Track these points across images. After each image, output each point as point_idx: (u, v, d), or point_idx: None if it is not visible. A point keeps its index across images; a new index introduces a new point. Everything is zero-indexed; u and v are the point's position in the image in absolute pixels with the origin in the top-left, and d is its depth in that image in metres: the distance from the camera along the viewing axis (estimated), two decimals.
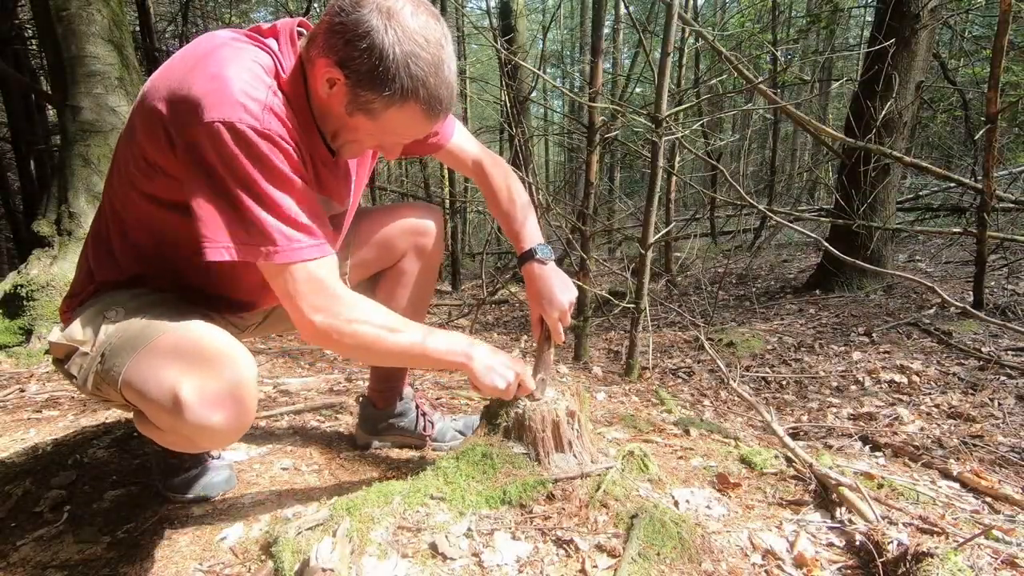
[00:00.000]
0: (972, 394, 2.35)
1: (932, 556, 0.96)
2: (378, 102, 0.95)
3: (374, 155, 1.33)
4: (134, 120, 0.99)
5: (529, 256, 1.38)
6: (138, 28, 6.62)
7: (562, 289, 1.36)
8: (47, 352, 2.76)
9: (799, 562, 1.09)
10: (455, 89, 1.00)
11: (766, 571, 1.07)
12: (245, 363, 0.96)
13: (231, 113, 0.89)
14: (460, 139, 1.42)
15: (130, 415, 1.70)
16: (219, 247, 0.94)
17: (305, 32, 1.06)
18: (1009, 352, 2.74)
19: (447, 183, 7.44)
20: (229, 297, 1.21)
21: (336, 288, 1.03)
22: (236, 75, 0.92)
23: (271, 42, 1.01)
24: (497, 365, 1.15)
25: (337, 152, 1.11)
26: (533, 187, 4.05)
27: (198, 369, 0.93)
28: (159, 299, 1.09)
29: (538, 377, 1.30)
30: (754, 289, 5.23)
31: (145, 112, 0.95)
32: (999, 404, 2.23)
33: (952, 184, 5.30)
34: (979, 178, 3.68)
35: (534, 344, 1.41)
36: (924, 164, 3.61)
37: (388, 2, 0.92)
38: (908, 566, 0.98)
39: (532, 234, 1.41)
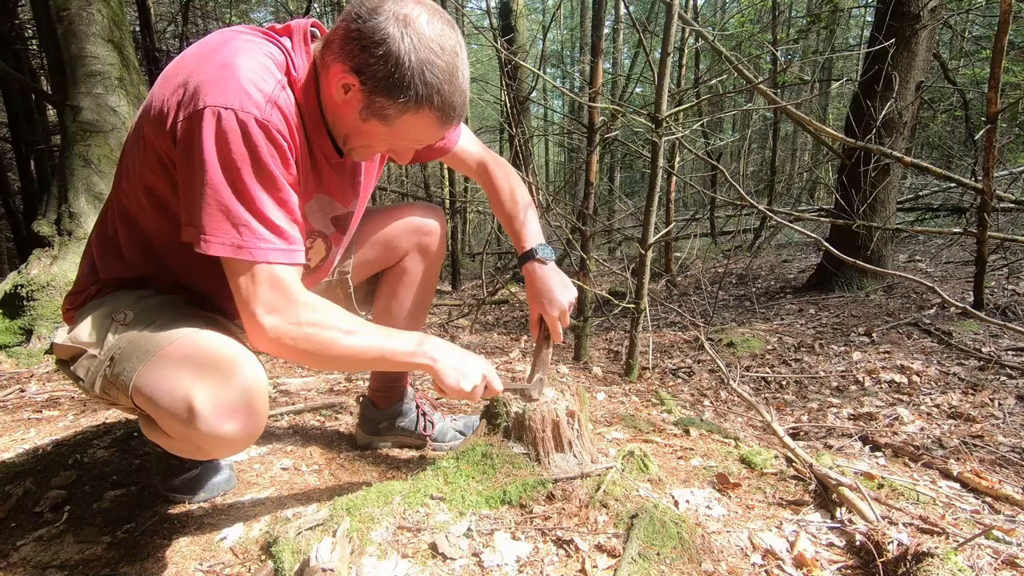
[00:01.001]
0: (972, 394, 2.35)
1: (932, 556, 0.96)
2: (393, 108, 0.96)
3: (383, 158, 1.34)
4: (143, 115, 0.99)
5: (530, 256, 1.38)
6: (138, 28, 6.62)
7: (562, 289, 1.36)
8: (48, 352, 2.76)
9: (799, 562, 1.09)
10: (467, 94, 1.00)
11: (766, 571, 1.07)
12: (256, 372, 0.96)
13: (234, 100, 0.89)
14: (465, 142, 1.43)
15: (133, 416, 1.71)
16: (194, 232, 0.93)
17: (319, 33, 1.06)
18: (1009, 352, 2.74)
19: (447, 183, 7.44)
20: (226, 302, 1.20)
21: (295, 294, 0.99)
22: (246, 65, 0.92)
23: (285, 40, 1.02)
24: (463, 367, 1.10)
25: (347, 155, 1.11)
26: (533, 187, 4.05)
27: (211, 378, 0.93)
28: (166, 302, 1.09)
29: (536, 376, 1.30)
30: (754, 289, 5.23)
31: (155, 103, 0.96)
32: (999, 404, 2.23)
33: (952, 184, 5.30)
34: (979, 178, 3.68)
35: (534, 344, 1.41)
36: (924, 164, 3.61)
37: (404, 9, 0.92)
38: (908, 566, 0.98)
39: (533, 234, 1.41)
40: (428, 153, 1.39)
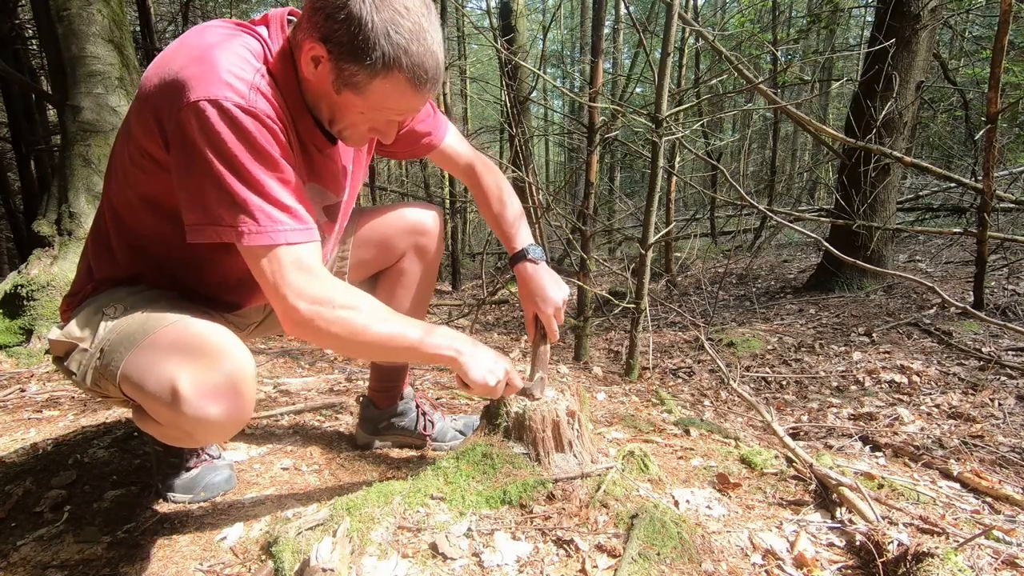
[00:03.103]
0: (972, 394, 2.35)
1: (932, 556, 0.96)
2: (362, 74, 0.94)
3: (369, 149, 1.33)
4: (130, 113, 1.00)
5: (521, 256, 1.39)
6: (138, 28, 6.62)
7: (554, 287, 1.36)
8: (47, 352, 2.76)
9: (799, 562, 1.09)
10: (441, 60, 0.98)
11: (766, 571, 1.07)
12: (242, 356, 0.96)
13: (217, 92, 0.89)
14: (453, 141, 1.43)
15: (131, 414, 1.71)
16: (201, 228, 0.92)
17: (295, 20, 1.06)
18: (1009, 352, 2.74)
19: (447, 183, 7.45)
20: (218, 298, 1.21)
21: (322, 274, 0.99)
22: (223, 57, 0.93)
23: (261, 30, 1.02)
24: (488, 361, 1.11)
25: (338, 140, 1.11)
26: (533, 187, 4.04)
27: (196, 362, 0.93)
28: (157, 295, 1.10)
29: (537, 375, 1.30)
30: (754, 289, 5.23)
31: (138, 102, 0.96)
32: (999, 404, 2.23)
33: (952, 184, 5.29)
34: (979, 178, 3.68)
35: (531, 344, 1.41)
36: (924, 164, 3.61)
37: None
38: (908, 566, 0.98)
39: (524, 235, 1.42)
40: (414, 149, 1.38)
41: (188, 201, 0.94)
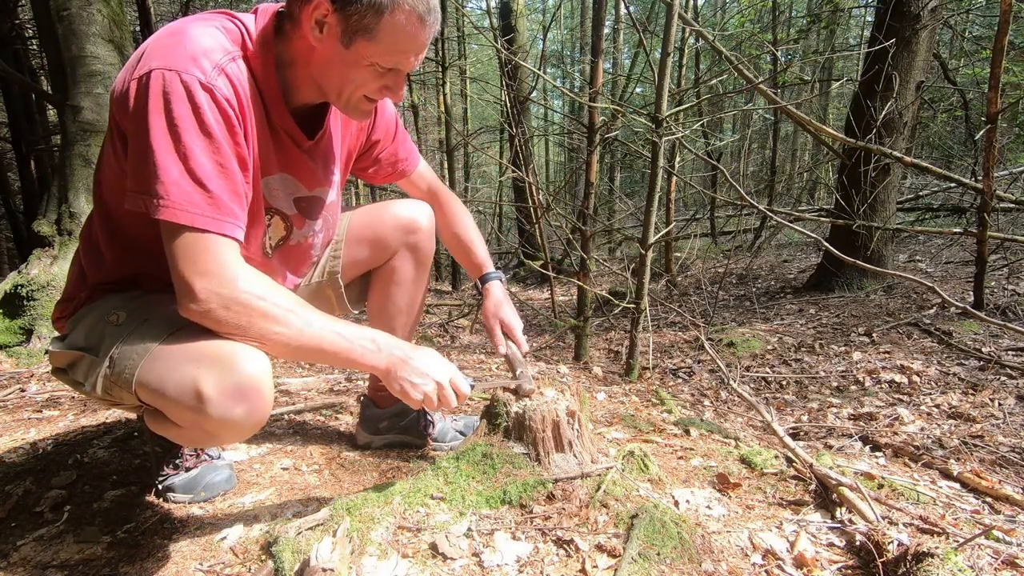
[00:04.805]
0: (972, 394, 2.35)
1: (932, 556, 0.96)
2: (370, 14, 0.95)
3: (348, 161, 1.35)
4: (110, 100, 1.00)
5: (496, 276, 1.48)
6: (138, 28, 6.63)
7: (516, 314, 1.45)
8: (47, 353, 2.76)
9: (799, 562, 1.09)
10: None
11: (766, 571, 1.07)
12: (258, 356, 0.96)
13: (179, 64, 0.90)
14: (423, 168, 1.52)
15: (133, 416, 1.71)
16: (135, 194, 0.91)
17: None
18: (1009, 352, 2.74)
19: (447, 183, 7.45)
20: None
21: (235, 262, 0.94)
22: (195, 35, 0.93)
23: (248, 18, 1.02)
24: (413, 374, 1.04)
25: (350, 116, 1.11)
26: (533, 187, 4.05)
27: (215, 364, 0.93)
28: (156, 300, 1.09)
29: (519, 371, 1.31)
30: (754, 289, 5.23)
31: (116, 84, 0.97)
32: (999, 404, 2.23)
33: (952, 184, 5.30)
34: (979, 178, 3.68)
35: (497, 352, 1.44)
36: (924, 164, 3.61)
37: None
38: (908, 566, 0.98)
39: (489, 258, 1.53)
40: (393, 171, 1.46)
41: (131, 166, 0.92)
